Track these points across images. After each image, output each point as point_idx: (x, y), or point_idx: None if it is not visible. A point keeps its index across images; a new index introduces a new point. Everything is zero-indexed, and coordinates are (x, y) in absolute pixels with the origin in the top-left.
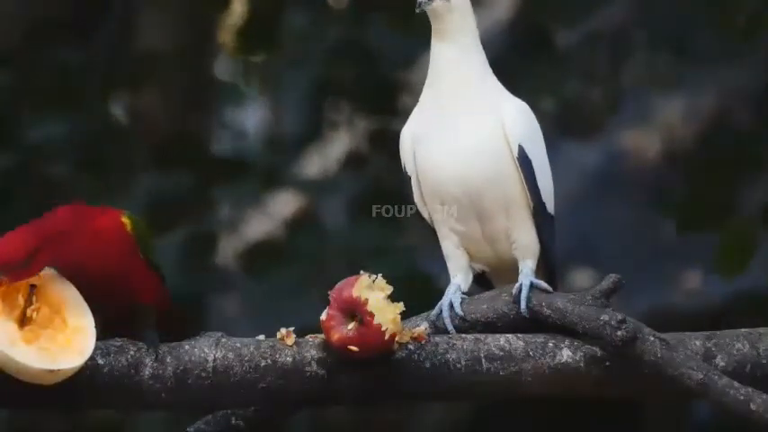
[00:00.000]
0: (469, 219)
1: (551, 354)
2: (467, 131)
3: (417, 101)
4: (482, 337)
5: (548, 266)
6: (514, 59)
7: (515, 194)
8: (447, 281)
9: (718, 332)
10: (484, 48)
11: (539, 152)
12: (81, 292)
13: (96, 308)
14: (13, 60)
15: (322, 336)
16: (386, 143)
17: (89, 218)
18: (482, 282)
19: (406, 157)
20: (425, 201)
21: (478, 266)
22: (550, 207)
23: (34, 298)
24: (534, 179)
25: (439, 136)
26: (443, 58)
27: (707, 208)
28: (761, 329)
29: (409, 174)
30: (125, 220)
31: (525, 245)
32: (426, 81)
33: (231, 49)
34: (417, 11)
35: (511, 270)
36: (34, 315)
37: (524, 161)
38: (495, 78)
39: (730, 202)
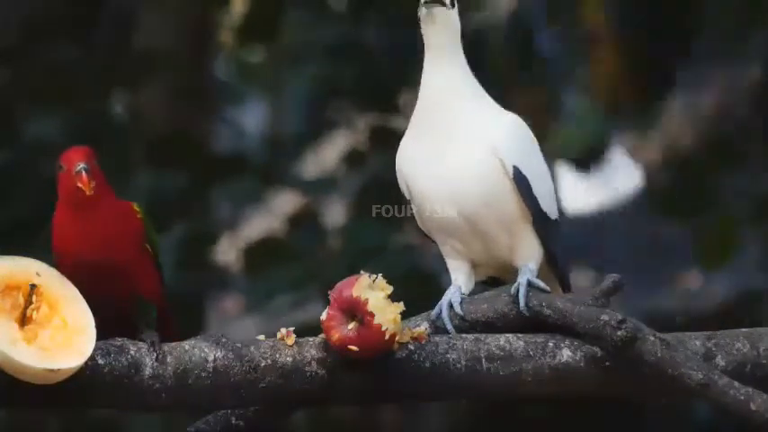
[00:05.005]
0: (470, 240)
1: (551, 354)
2: (458, 157)
3: (417, 100)
4: (482, 337)
5: (557, 271)
6: (514, 59)
7: (515, 213)
8: (447, 280)
9: (718, 332)
10: (483, 48)
11: (535, 166)
12: (84, 283)
13: (96, 307)
14: (11, 57)
15: (322, 335)
16: (386, 141)
17: (110, 190)
18: (491, 281)
19: (402, 182)
20: (424, 224)
21: (483, 275)
22: (553, 213)
23: (34, 297)
24: (533, 194)
25: (431, 163)
26: (434, 79)
27: (693, 200)
28: (761, 329)
29: (408, 198)
30: (136, 207)
31: (527, 253)
32: (418, 102)
33: (231, 47)
34: (424, 10)
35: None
36: (34, 315)
37: (521, 180)
38: (483, 93)
39: (715, 195)
